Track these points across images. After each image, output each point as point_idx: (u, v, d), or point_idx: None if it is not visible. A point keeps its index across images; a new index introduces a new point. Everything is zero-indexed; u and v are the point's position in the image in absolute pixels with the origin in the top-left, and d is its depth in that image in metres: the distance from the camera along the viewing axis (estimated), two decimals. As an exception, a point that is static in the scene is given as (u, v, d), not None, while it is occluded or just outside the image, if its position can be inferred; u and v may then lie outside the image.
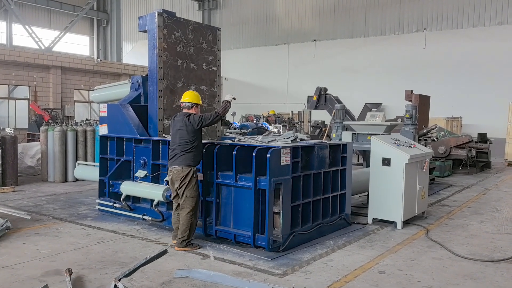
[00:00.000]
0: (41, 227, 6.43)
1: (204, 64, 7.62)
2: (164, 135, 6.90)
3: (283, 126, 15.64)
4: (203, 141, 6.35)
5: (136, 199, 6.97)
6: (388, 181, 6.60)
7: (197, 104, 5.61)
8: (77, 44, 31.35)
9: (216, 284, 4.33)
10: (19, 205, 7.87)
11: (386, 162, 6.60)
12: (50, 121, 15.33)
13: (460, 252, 5.49)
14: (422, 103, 12.92)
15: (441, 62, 21.18)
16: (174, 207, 5.64)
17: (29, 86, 19.83)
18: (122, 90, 8.08)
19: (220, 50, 7.92)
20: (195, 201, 5.39)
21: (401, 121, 10.73)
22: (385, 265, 5.01)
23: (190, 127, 5.43)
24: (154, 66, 6.86)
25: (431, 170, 11.17)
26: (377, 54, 23.00)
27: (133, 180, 7.02)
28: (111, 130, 7.34)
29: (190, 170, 5.41)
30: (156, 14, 6.81)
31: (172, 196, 5.62)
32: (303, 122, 19.81)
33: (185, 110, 5.63)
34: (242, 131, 9.29)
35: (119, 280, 3.83)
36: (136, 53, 30.90)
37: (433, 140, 13.96)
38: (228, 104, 5.72)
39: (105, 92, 8.73)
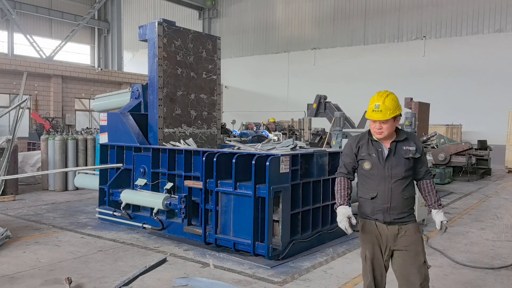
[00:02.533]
0: (41, 235, 6.43)
1: (204, 72, 7.66)
2: (164, 143, 6.93)
3: (283, 134, 15.69)
4: (204, 148, 6.38)
5: (136, 208, 6.97)
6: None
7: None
8: (78, 53, 31.49)
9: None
10: (19, 214, 7.88)
11: (386, 169, 6.59)
12: (50, 129, 15.38)
13: (460, 260, 5.48)
14: (421, 111, 12.96)
15: (440, 69, 21.26)
16: None
17: (30, 95, 19.89)
18: (122, 98, 8.12)
19: (219, 59, 7.97)
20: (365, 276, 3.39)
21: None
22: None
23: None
24: (154, 75, 6.90)
25: (431, 178, 11.16)
26: (377, 62, 23.08)
27: (133, 189, 7.03)
28: (111, 138, 7.36)
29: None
30: (156, 24, 6.87)
31: None
32: (303, 129, 19.84)
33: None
34: (242, 139, 9.32)
35: (119, 288, 3.83)
36: (137, 62, 31.04)
37: (433, 148, 13.96)
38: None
39: (106, 101, 8.77)
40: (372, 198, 3.24)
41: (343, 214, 3.23)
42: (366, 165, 3.26)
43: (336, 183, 3.39)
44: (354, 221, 3.23)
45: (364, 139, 3.32)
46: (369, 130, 3.32)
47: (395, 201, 3.21)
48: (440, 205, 3.34)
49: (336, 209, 3.32)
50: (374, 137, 3.27)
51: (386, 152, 3.23)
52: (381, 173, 3.22)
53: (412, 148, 3.24)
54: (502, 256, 5.72)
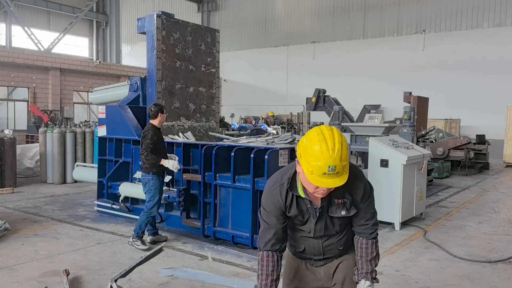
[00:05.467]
0: (40, 228, 6.44)
1: (203, 65, 7.64)
2: (163, 136, 6.90)
3: (281, 127, 15.68)
4: (202, 142, 6.37)
5: (135, 201, 6.97)
6: (386, 182, 6.61)
7: None
8: (76, 46, 31.36)
9: (214, 285, 4.34)
10: (18, 207, 7.88)
11: (384, 163, 6.62)
12: (49, 122, 15.34)
13: (458, 253, 5.51)
14: (420, 105, 12.94)
15: (439, 63, 21.22)
16: None
17: (28, 88, 19.83)
18: (121, 91, 8.11)
19: (218, 52, 7.94)
20: None
21: (400, 123, 10.76)
22: (382, 266, 5.02)
23: None
24: (153, 68, 6.88)
25: (430, 172, 11.20)
26: (376, 56, 23.03)
27: (131, 182, 7.03)
28: (110, 131, 7.35)
29: None
30: (155, 16, 6.83)
31: None
32: (302, 123, 19.83)
33: None
34: (241, 132, 9.32)
35: (115, 281, 3.84)
36: (135, 55, 30.92)
37: (432, 142, 13.98)
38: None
39: (104, 94, 8.75)
40: None
41: None
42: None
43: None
44: None
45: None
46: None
47: None
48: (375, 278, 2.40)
49: None
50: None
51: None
52: None
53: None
54: (499, 250, 5.75)
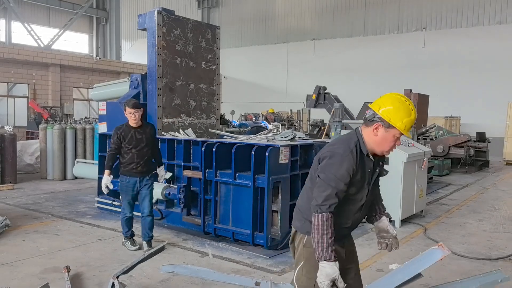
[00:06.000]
0: (40, 224, 6.44)
1: (203, 62, 7.63)
2: (163, 133, 6.91)
3: (282, 125, 15.68)
4: (203, 139, 6.37)
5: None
6: (386, 179, 6.56)
7: None
8: (76, 42, 31.28)
9: (215, 281, 4.35)
10: (18, 203, 7.88)
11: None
12: (49, 119, 15.33)
13: (458, 251, 5.51)
14: (421, 102, 12.93)
15: (440, 61, 21.19)
16: None
17: (28, 84, 19.81)
18: (121, 88, 8.10)
19: (219, 49, 7.93)
20: None
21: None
22: (383, 263, 5.03)
23: None
24: (153, 64, 6.87)
25: (430, 169, 11.20)
26: (376, 53, 22.99)
27: (132, 178, 7.01)
28: (110, 128, 7.33)
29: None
30: (156, 12, 6.82)
31: None
32: (302, 121, 19.82)
33: None
34: (241, 129, 9.31)
35: (117, 277, 3.85)
36: (135, 51, 30.86)
37: (432, 139, 13.98)
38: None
39: (104, 90, 8.74)
40: None
41: (327, 276, 2.36)
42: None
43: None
44: (342, 284, 2.39)
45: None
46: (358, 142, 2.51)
47: None
48: None
49: (319, 260, 2.42)
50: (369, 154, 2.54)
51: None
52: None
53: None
54: (499, 247, 5.76)
